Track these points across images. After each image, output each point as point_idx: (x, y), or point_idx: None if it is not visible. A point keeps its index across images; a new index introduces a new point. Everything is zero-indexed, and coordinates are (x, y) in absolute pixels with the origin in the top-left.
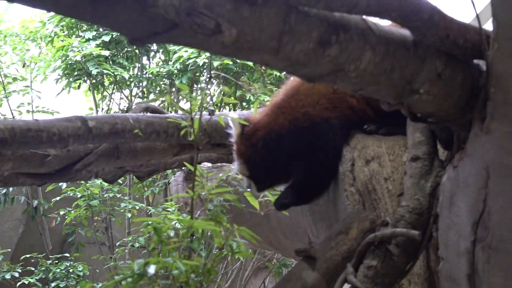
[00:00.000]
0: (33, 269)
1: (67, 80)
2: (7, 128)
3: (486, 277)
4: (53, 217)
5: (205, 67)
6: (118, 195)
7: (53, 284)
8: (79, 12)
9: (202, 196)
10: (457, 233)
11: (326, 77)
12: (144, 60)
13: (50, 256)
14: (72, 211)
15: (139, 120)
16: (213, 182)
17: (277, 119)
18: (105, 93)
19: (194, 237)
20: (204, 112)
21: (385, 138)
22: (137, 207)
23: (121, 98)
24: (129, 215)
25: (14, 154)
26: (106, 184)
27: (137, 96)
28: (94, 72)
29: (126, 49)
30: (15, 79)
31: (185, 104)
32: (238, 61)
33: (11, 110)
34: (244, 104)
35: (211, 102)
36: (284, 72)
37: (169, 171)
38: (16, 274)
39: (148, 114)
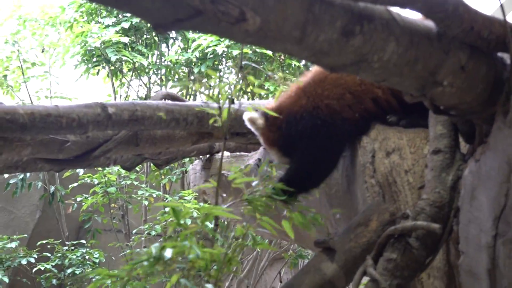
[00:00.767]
0: (49, 255)
1: (85, 66)
2: (26, 113)
3: (507, 272)
4: (69, 203)
5: (223, 55)
6: (135, 183)
7: (69, 271)
8: None
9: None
10: (478, 227)
11: (349, 67)
12: (163, 47)
13: (66, 243)
14: (89, 198)
15: (159, 107)
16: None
17: (300, 100)
18: (123, 80)
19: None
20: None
21: (406, 130)
22: (154, 195)
23: (139, 85)
24: (146, 202)
25: (34, 139)
26: (123, 171)
27: (156, 83)
28: (113, 58)
29: (145, 36)
30: (34, 64)
31: (207, 92)
32: (257, 50)
33: (29, 95)
34: (262, 94)
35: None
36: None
37: (186, 159)
38: (32, 260)
39: (168, 101)
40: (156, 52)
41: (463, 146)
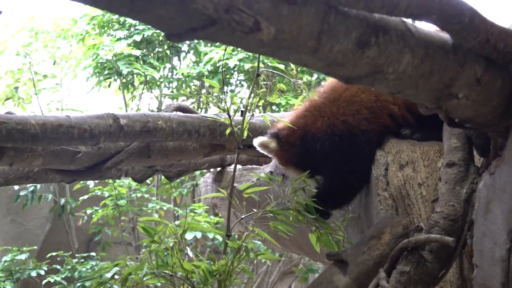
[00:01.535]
0: (59, 267)
1: (97, 78)
2: (38, 123)
3: None
4: (80, 216)
5: (235, 69)
6: (146, 195)
7: (78, 283)
8: (116, 6)
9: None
10: (492, 241)
11: (364, 79)
12: (175, 60)
13: (76, 255)
14: (99, 210)
15: (171, 119)
16: (243, 184)
17: (316, 122)
18: (134, 92)
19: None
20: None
21: (420, 143)
22: (165, 208)
23: (151, 98)
24: (156, 215)
25: (45, 150)
26: (134, 184)
27: (164, 94)
28: (124, 71)
29: (157, 49)
30: (45, 76)
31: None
32: (269, 64)
33: (40, 107)
34: (273, 107)
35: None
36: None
37: (197, 173)
38: (42, 272)
39: (180, 113)
40: (167, 65)
41: (477, 160)
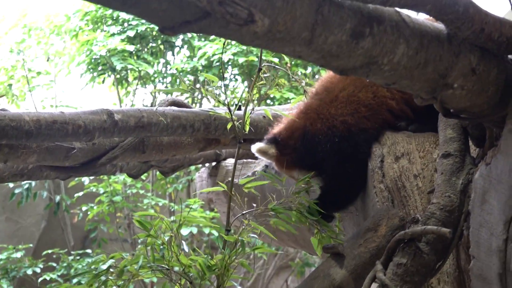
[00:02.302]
0: (54, 265)
1: (91, 74)
2: (32, 119)
3: None
4: (75, 213)
5: (230, 63)
6: (141, 191)
7: (74, 280)
8: (109, 0)
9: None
10: (489, 231)
11: (359, 70)
12: (169, 55)
13: (72, 252)
14: (95, 207)
15: (165, 113)
16: (239, 178)
17: (314, 124)
18: (129, 88)
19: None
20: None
21: (415, 135)
22: (160, 204)
23: (145, 94)
24: (152, 211)
25: (39, 147)
26: (129, 180)
27: (158, 90)
28: (118, 67)
29: (150, 44)
30: (39, 73)
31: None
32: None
33: (34, 104)
34: (268, 101)
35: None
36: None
37: (192, 168)
38: (38, 270)
39: (174, 108)
40: (161, 60)
41: (473, 150)
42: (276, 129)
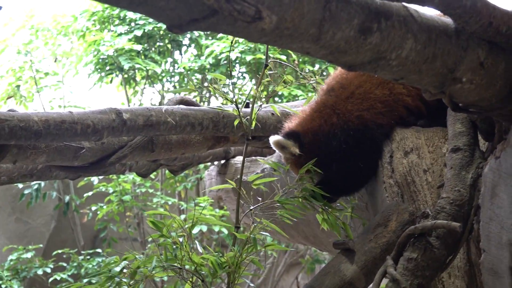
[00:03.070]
0: (65, 264)
1: (99, 74)
2: (41, 120)
3: None
4: (84, 213)
5: (237, 61)
6: (150, 190)
7: (85, 280)
8: None
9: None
10: (499, 225)
11: (367, 65)
12: (176, 54)
13: (82, 252)
14: (104, 207)
15: (173, 112)
16: (248, 175)
17: (330, 120)
18: (136, 88)
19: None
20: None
21: (424, 130)
22: (169, 203)
23: (153, 93)
24: (161, 210)
25: (48, 147)
26: (138, 179)
27: (169, 90)
28: (126, 66)
29: (158, 43)
30: (46, 74)
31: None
32: (270, 55)
33: (42, 105)
34: (276, 99)
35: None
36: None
37: (201, 166)
38: (48, 270)
39: (182, 106)
40: (169, 59)
41: (482, 144)
42: (294, 125)
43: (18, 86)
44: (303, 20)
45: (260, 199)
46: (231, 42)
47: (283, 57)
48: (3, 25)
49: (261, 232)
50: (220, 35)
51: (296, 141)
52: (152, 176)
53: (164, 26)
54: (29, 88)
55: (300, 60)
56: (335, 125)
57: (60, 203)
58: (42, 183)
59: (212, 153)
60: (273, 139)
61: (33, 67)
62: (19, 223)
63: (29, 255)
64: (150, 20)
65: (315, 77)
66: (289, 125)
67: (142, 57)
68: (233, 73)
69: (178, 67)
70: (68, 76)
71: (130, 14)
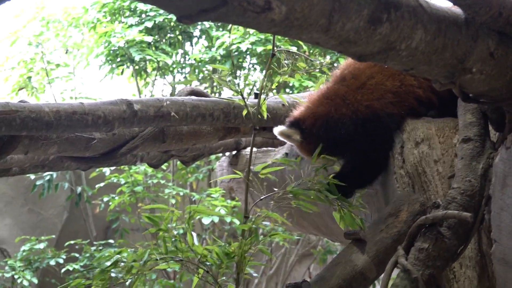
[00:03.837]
0: (77, 255)
1: (109, 66)
2: (52, 111)
3: None
4: (96, 204)
5: (248, 53)
6: (162, 181)
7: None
8: None
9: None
10: (510, 215)
11: (377, 55)
12: (187, 46)
13: (94, 243)
14: (116, 198)
15: (184, 103)
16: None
17: (339, 109)
18: (148, 79)
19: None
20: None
21: (435, 120)
22: (181, 193)
23: (164, 84)
24: (173, 201)
25: (60, 138)
26: (149, 170)
27: (180, 82)
28: (137, 58)
29: (169, 35)
30: (58, 65)
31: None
32: (281, 47)
33: (54, 96)
34: (287, 90)
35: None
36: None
37: (212, 157)
38: (61, 261)
39: (193, 97)
40: (180, 50)
41: (493, 134)
42: (298, 113)
43: (29, 78)
44: (313, 10)
45: (276, 189)
46: (229, 31)
47: (294, 48)
48: (14, 17)
49: (263, 222)
50: (230, 26)
51: (297, 128)
52: (163, 167)
53: (174, 17)
54: (40, 79)
55: (311, 51)
56: (344, 114)
57: (72, 194)
58: (54, 174)
59: (223, 144)
60: (277, 130)
61: (44, 58)
62: (32, 214)
63: (41, 245)
64: (161, 11)
65: (323, 63)
66: (293, 113)
67: (153, 48)
68: (244, 65)
69: (189, 59)
70: (79, 67)
71: (141, 6)
